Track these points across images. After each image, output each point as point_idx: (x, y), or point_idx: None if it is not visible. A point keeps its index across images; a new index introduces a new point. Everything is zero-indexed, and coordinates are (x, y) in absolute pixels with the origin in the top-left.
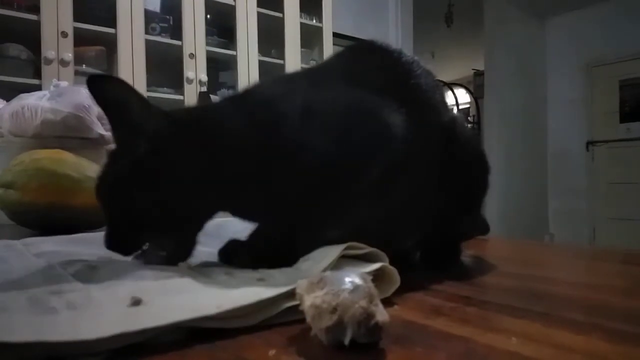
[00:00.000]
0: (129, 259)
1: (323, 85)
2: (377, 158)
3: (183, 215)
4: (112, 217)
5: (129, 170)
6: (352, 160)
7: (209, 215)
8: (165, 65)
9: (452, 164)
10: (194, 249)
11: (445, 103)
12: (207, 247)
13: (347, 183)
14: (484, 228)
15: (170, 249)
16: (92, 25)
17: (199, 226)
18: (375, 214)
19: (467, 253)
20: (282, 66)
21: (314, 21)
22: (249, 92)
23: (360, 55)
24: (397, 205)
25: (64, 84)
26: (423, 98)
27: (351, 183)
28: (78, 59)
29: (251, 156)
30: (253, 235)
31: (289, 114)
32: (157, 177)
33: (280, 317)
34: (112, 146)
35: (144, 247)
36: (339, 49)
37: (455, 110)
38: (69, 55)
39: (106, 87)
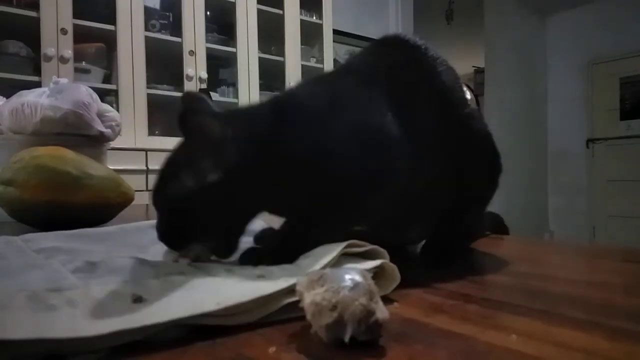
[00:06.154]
0: (127, 250)
1: (353, 94)
2: (398, 171)
3: (234, 222)
4: (165, 222)
5: (193, 192)
6: (376, 173)
7: (254, 217)
8: (165, 62)
9: (465, 160)
10: (236, 249)
11: (465, 100)
12: None
13: (370, 192)
14: (501, 228)
15: (218, 249)
16: (91, 22)
17: (245, 227)
18: (387, 212)
19: (471, 251)
20: (282, 63)
21: (314, 18)
22: (286, 105)
23: (389, 53)
24: (408, 201)
25: (63, 81)
26: (445, 97)
27: (374, 192)
28: (78, 56)
29: (292, 165)
30: (275, 242)
31: (323, 125)
32: (220, 200)
33: (280, 314)
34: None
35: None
36: (339, 46)
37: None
38: (68, 52)
39: (193, 120)
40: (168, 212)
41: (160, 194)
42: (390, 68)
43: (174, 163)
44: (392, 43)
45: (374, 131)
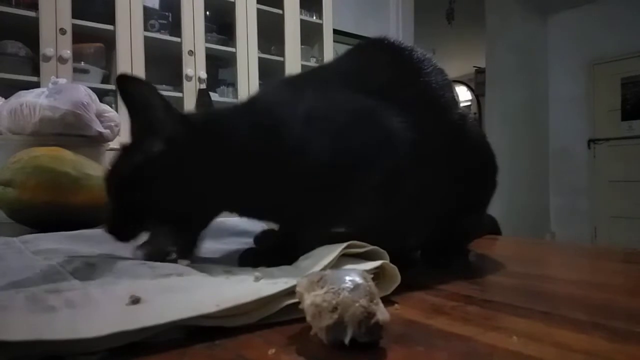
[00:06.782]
0: (127, 251)
1: (328, 89)
2: (377, 162)
3: (189, 213)
4: (117, 206)
5: (142, 166)
6: (351, 164)
7: (215, 214)
8: (164, 62)
9: (459, 162)
10: (199, 247)
11: (455, 102)
12: (206, 244)
13: (347, 185)
14: (494, 228)
15: (177, 246)
16: (90, 22)
17: (205, 224)
18: (380, 212)
19: (470, 252)
20: (282, 63)
21: (314, 18)
22: (258, 98)
23: (370, 54)
24: (401, 204)
25: (62, 81)
26: (432, 97)
27: (351, 185)
28: (77, 56)
29: (258, 160)
30: (272, 243)
31: (293, 120)
32: (167, 176)
33: (280, 315)
34: (126, 141)
35: (145, 240)
36: (339, 45)
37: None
38: (67, 52)
39: (133, 87)
40: (119, 193)
41: (111, 180)
42: (374, 69)
43: (124, 146)
44: (377, 45)
45: (346, 124)
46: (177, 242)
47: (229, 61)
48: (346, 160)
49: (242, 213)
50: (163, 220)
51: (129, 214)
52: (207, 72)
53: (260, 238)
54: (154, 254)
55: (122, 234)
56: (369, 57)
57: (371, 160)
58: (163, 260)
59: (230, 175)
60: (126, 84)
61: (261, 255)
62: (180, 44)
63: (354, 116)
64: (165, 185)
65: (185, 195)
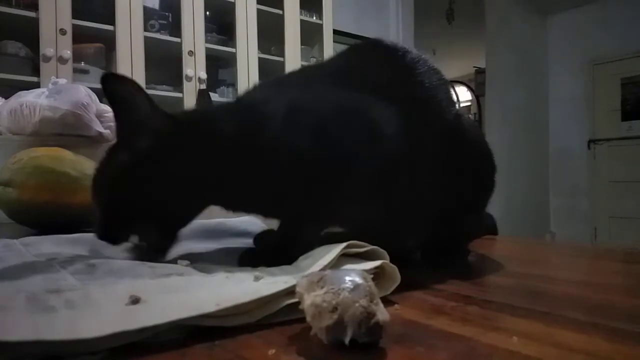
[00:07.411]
0: (117, 250)
1: (315, 86)
2: (366, 154)
3: (174, 210)
4: (106, 208)
5: (129, 163)
6: (339, 157)
7: (197, 212)
8: (164, 62)
9: (457, 162)
10: (175, 243)
11: (450, 101)
12: (206, 244)
13: (338, 179)
14: (492, 228)
15: (153, 242)
16: (90, 23)
17: (186, 222)
18: (375, 211)
19: (470, 252)
20: (282, 63)
21: (314, 18)
22: (245, 96)
23: (362, 54)
24: (398, 203)
25: (62, 81)
26: (425, 96)
27: (342, 179)
28: (77, 57)
29: (243, 155)
30: (271, 243)
31: (276, 117)
32: (155, 172)
33: (280, 315)
34: (112, 142)
35: (136, 242)
36: (340, 46)
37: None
38: (67, 53)
39: (118, 86)
40: (108, 195)
41: (98, 182)
42: (366, 68)
43: (110, 148)
44: (371, 46)
45: (333, 118)
46: (156, 239)
47: (229, 61)
48: (334, 153)
49: (232, 208)
50: (152, 218)
51: (120, 215)
52: (207, 73)
53: (260, 238)
54: (149, 252)
55: (113, 237)
56: (362, 57)
57: (360, 152)
58: (157, 258)
59: (215, 170)
60: (111, 82)
61: (261, 255)
62: (180, 44)
63: (342, 110)
64: (153, 181)
65: (173, 191)
